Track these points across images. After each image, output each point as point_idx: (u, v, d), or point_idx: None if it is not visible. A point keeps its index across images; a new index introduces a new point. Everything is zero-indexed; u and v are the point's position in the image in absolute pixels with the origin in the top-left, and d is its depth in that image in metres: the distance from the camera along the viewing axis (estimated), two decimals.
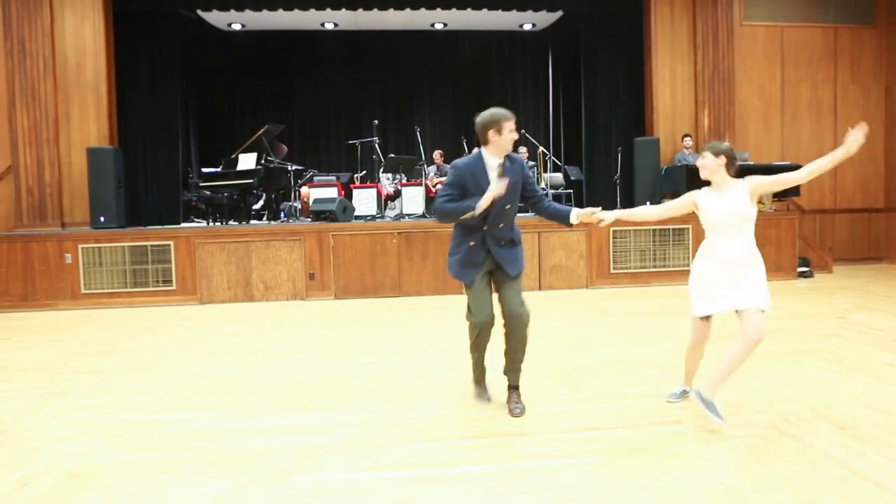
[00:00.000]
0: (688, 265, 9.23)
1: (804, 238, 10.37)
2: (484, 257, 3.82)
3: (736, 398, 4.05)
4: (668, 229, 9.20)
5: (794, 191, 9.75)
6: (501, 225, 3.79)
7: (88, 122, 9.77)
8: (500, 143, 3.70)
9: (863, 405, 3.87)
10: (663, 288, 8.93)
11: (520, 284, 3.87)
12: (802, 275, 9.69)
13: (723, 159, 3.69)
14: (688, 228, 9.22)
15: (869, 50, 11.45)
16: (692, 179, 9.61)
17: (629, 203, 10.53)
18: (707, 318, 3.81)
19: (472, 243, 3.80)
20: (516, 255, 3.87)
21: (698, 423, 3.61)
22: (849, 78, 11.42)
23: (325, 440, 3.52)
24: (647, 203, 10.22)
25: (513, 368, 3.99)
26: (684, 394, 4.06)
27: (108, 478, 3.10)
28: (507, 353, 3.97)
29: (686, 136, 10.52)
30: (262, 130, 9.97)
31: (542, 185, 10.40)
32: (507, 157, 3.77)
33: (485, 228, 3.78)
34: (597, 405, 3.99)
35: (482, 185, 3.67)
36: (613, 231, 9.04)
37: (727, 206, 3.62)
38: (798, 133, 11.29)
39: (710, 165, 3.69)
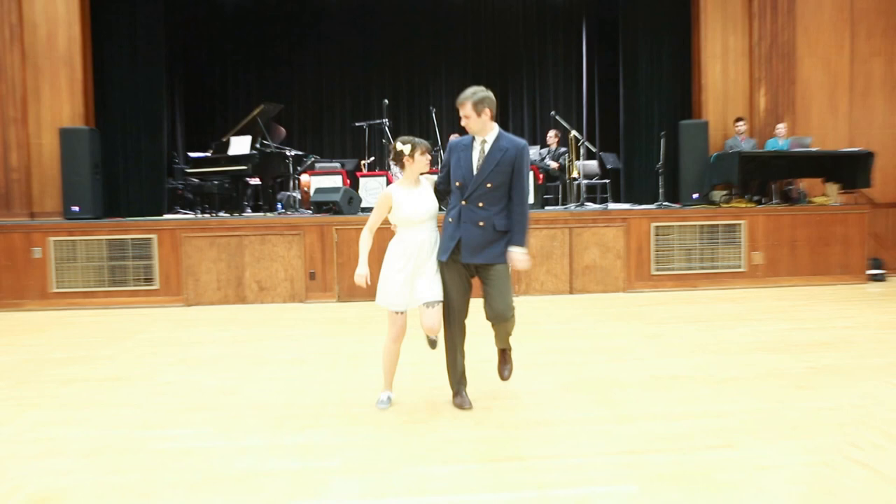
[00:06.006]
0: (740, 265, 9.16)
1: (876, 236, 10.24)
2: (456, 234, 4.19)
3: (797, 419, 4.01)
4: (718, 225, 9.12)
5: (865, 181, 9.63)
6: (481, 204, 4.14)
7: (61, 99, 9.86)
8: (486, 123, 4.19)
9: None
10: (712, 292, 8.86)
11: (500, 277, 4.20)
12: (874, 278, 9.58)
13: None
14: (740, 224, 9.14)
15: None
16: (746, 168, 9.53)
17: (674, 196, 10.46)
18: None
19: (450, 219, 4.24)
20: (487, 243, 4.15)
21: (753, 448, 3.57)
22: None
23: (328, 462, 3.52)
24: (694, 196, 10.15)
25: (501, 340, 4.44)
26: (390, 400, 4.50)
27: (80, 503, 3.11)
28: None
29: (739, 119, 10.42)
30: (258, 111, 10.00)
31: (575, 173, 10.35)
32: (505, 139, 4.19)
33: (463, 203, 4.19)
34: (636, 425, 3.97)
35: (462, 164, 4.20)
36: (655, 227, 8.99)
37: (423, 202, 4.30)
38: (869, 114, 11.14)
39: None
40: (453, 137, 11.30)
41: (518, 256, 4.12)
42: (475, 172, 4.14)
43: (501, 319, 4.21)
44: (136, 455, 3.65)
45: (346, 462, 3.51)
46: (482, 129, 4.16)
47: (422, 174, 4.33)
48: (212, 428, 4.06)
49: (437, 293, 4.24)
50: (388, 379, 4.51)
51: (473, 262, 4.17)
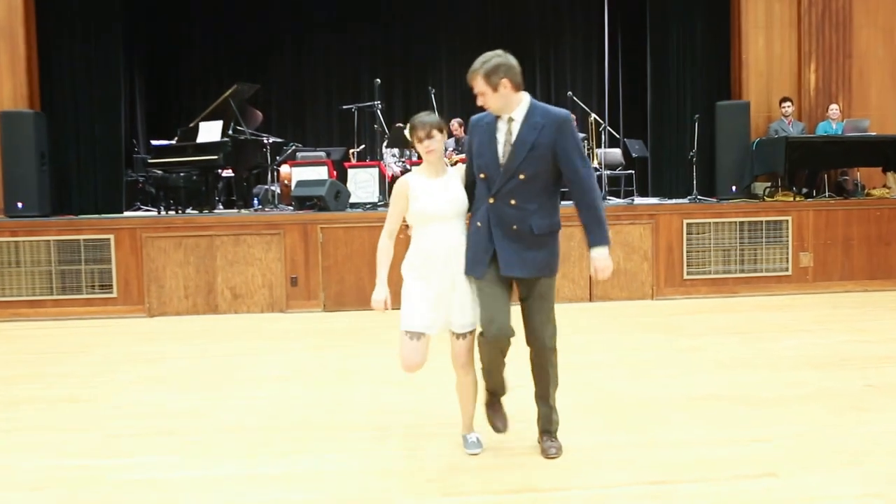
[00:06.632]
0: (786, 268, 9.17)
1: None
2: (490, 246, 3.76)
3: (852, 445, 4.04)
4: (761, 222, 9.14)
5: None
6: (513, 202, 3.71)
7: (1, 78, 9.86)
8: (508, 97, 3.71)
9: None
10: (753, 299, 8.88)
11: (543, 296, 3.87)
12: None
13: (446, 134, 3.92)
14: (786, 221, 9.15)
15: None
16: (794, 155, 9.53)
17: (709, 188, 10.48)
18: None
19: (478, 223, 3.79)
20: (525, 250, 3.76)
21: (801, 477, 3.60)
22: None
23: (312, 493, 3.55)
24: (733, 189, 10.16)
25: (541, 415, 4.08)
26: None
27: None
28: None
29: (785, 99, 10.43)
30: (230, 91, 10.01)
31: (595, 163, 10.37)
32: (538, 111, 3.73)
33: (490, 202, 3.76)
34: (664, 451, 3.99)
35: (483, 150, 3.76)
36: (688, 224, 9.01)
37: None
38: None
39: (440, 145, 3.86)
40: (455, 122, 11.38)
41: (601, 262, 3.72)
42: (502, 160, 3.70)
43: (541, 346, 3.88)
44: (92, 487, 3.67)
45: (334, 493, 3.53)
46: (505, 106, 3.69)
47: (451, 163, 4.04)
48: (179, 455, 4.09)
49: (473, 318, 3.86)
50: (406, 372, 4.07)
51: (515, 276, 3.79)
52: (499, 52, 3.71)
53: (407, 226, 3.95)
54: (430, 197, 3.78)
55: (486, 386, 4.02)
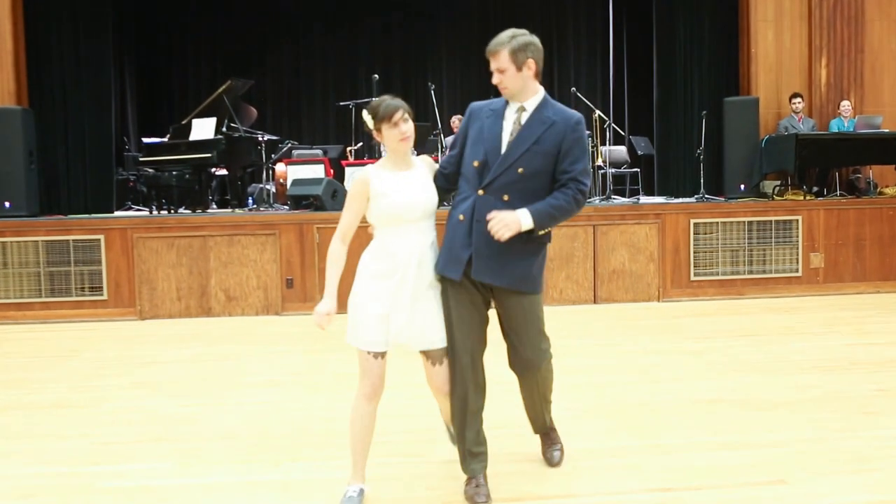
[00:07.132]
0: (796, 269, 9.17)
1: None
2: (469, 241, 3.43)
3: (862, 451, 4.04)
4: (770, 222, 9.13)
5: None
6: (506, 198, 3.37)
7: None
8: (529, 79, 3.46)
9: None
10: (762, 301, 8.88)
11: (525, 312, 3.58)
12: None
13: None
14: (796, 221, 9.15)
15: None
16: (804, 153, 9.53)
17: (717, 187, 10.48)
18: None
19: (460, 216, 3.47)
20: (505, 257, 3.43)
21: (810, 484, 3.61)
22: None
23: (308, 501, 3.56)
24: (742, 187, 10.17)
25: (534, 418, 3.99)
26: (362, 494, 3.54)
27: None
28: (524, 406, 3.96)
29: (795, 95, 10.43)
30: (224, 87, 10.01)
31: (600, 161, 10.37)
32: (551, 108, 3.48)
33: (479, 193, 3.43)
34: (671, 457, 4.00)
35: (485, 136, 3.47)
36: (695, 224, 9.00)
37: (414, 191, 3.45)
38: None
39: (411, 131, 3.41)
40: (455, 119, 11.35)
41: (511, 218, 3.27)
42: (504, 149, 3.41)
43: (530, 367, 3.64)
44: (81, 496, 3.68)
45: (330, 501, 3.53)
46: (522, 91, 3.43)
47: (418, 154, 3.64)
48: (171, 462, 4.09)
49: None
50: (359, 462, 3.53)
51: (486, 282, 3.45)
52: (524, 30, 3.45)
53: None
54: (396, 194, 3.36)
55: (461, 460, 3.58)
